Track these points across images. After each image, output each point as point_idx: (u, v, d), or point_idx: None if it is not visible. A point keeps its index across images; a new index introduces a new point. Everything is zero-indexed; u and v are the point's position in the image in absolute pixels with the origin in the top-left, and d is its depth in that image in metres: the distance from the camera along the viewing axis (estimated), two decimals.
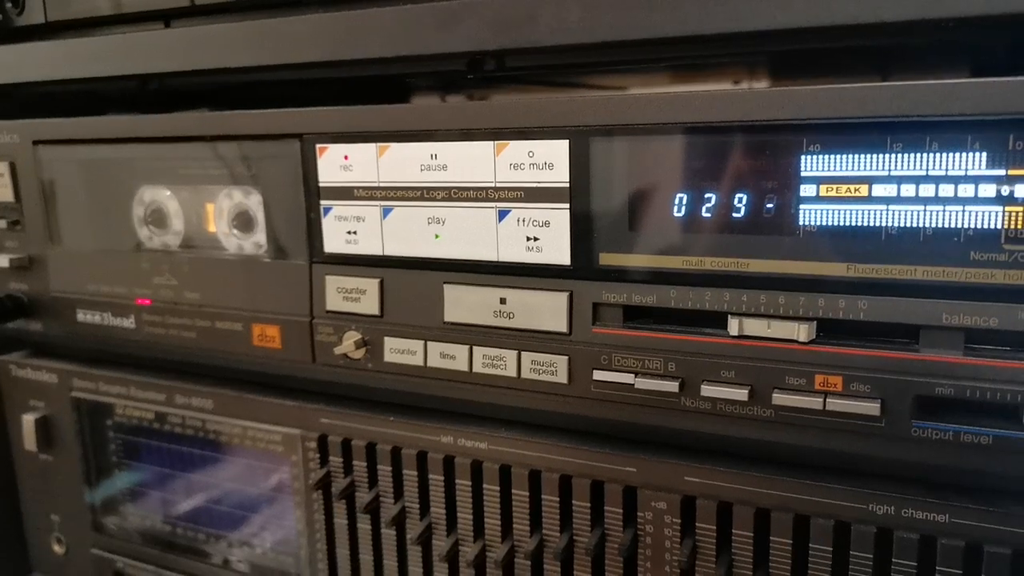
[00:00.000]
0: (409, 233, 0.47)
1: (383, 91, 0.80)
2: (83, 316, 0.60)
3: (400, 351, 0.48)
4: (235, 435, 0.57)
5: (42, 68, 0.57)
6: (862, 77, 0.75)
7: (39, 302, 0.62)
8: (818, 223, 0.38)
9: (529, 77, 0.73)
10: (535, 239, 0.44)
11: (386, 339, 0.49)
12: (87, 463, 0.64)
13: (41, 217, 0.60)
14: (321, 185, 0.49)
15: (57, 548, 0.68)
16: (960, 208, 0.36)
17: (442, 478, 0.50)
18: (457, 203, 0.45)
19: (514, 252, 0.44)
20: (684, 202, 0.41)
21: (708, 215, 0.40)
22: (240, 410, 0.56)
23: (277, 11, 0.49)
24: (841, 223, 0.38)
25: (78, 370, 0.63)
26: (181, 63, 0.51)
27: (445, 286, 0.47)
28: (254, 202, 0.53)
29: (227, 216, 0.54)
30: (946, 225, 0.36)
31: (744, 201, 0.39)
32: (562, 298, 0.44)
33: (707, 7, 0.37)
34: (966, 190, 0.35)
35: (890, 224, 0.37)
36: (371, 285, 0.49)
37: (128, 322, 0.58)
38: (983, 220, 0.35)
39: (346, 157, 0.48)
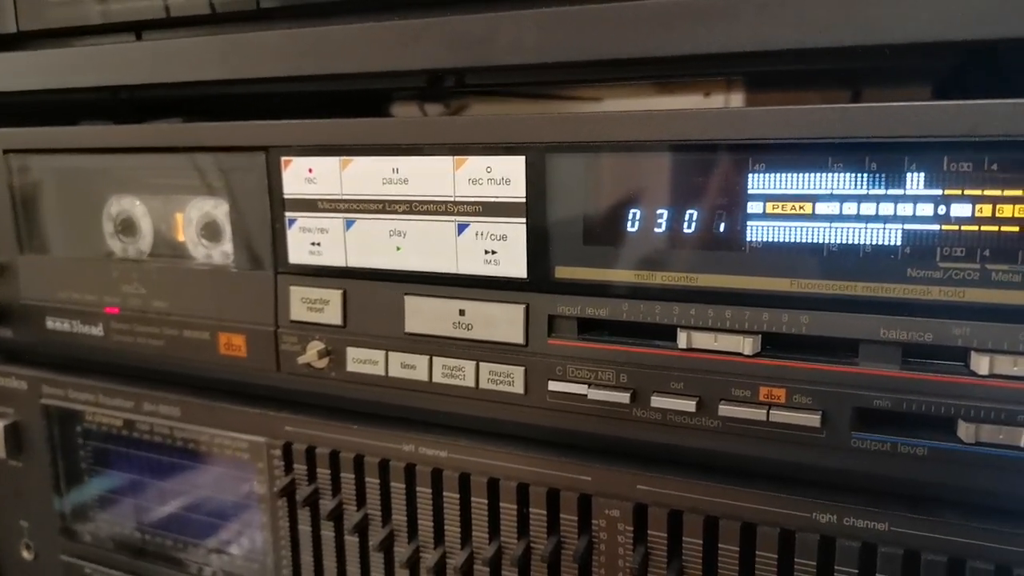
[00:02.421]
0: (371, 245, 0.48)
1: (364, 100, 0.81)
2: (52, 324, 0.61)
3: (362, 361, 0.49)
4: (202, 442, 0.58)
5: (13, 78, 0.58)
6: (834, 90, 0.77)
7: (9, 309, 0.62)
8: (764, 239, 0.39)
9: (500, 89, 0.74)
10: (493, 252, 0.45)
11: (349, 349, 0.50)
12: (56, 469, 0.65)
13: (11, 225, 0.60)
14: (286, 197, 0.50)
15: (26, 554, 0.68)
16: (899, 226, 0.37)
17: (403, 486, 0.50)
18: (418, 216, 0.46)
19: (473, 265, 0.45)
20: (636, 218, 0.42)
21: (659, 231, 0.41)
22: (207, 418, 0.57)
23: (248, 24, 0.50)
24: (785, 240, 0.39)
25: (48, 377, 0.63)
26: (150, 75, 0.52)
27: (406, 297, 0.48)
28: (221, 212, 0.53)
29: (195, 226, 0.55)
30: (885, 243, 0.37)
31: (694, 217, 0.41)
32: (519, 310, 0.45)
33: (657, 32, 0.38)
34: (904, 209, 0.37)
35: (831, 241, 0.38)
36: (334, 296, 0.50)
37: (97, 330, 0.59)
38: (920, 238, 0.37)
39: (310, 170, 0.49)
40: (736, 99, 0.84)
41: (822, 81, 0.73)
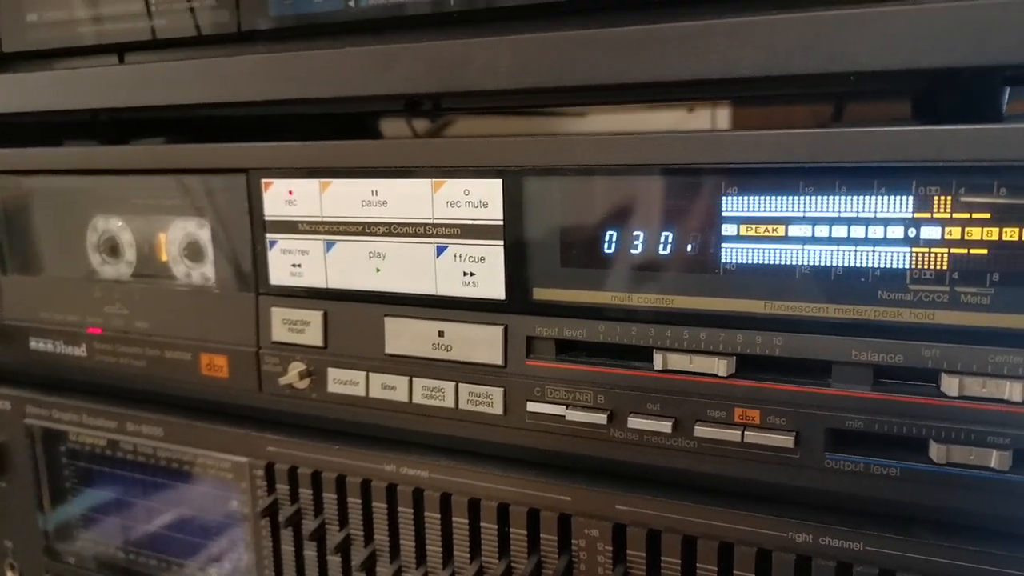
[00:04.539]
0: (351, 267, 0.48)
1: (354, 117, 0.82)
2: (36, 344, 0.61)
3: (343, 382, 0.49)
4: (186, 463, 0.58)
5: None
6: (818, 105, 0.78)
7: None
8: (738, 262, 0.40)
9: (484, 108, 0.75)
10: (471, 274, 0.45)
11: (329, 370, 0.50)
12: (40, 489, 0.65)
13: None
14: (267, 219, 0.50)
15: (10, 574, 0.68)
16: (870, 249, 0.37)
17: (385, 506, 0.50)
18: (397, 238, 0.46)
19: (451, 287, 0.46)
20: (613, 240, 0.42)
21: (635, 253, 0.42)
22: (190, 438, 0.57)
23: (230, 47, 0.51)
24: (759, 262, 0.39)
25: (31, 397, 0.63)
26: (132, 99, 0.52)
27: (386, 319, 0.48)
28: (204, 234, 0.54)
29: (178, 246, 0.55)
30: (856, 265, 0.38)
31: (669, 240, 0.41)
32: (497, 331, 0.45)
33: (628, 58, 0.38)
34: (875, 232, 0.37)
35: (804, 263, 0.38)
36: (315, 317, 0.50)
37: (80, 350, 0.59)
38: (890, 260, 0.37)
39: (290, 192, 0.49)
40: (721, 114, 0.85)
41: (806, 97, 0.74)
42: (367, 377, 0.49)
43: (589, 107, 0.86)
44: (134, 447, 0.60)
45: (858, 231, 0.37)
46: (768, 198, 0.39)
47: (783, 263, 0.39)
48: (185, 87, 0.50)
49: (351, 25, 0.46)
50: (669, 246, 0.41)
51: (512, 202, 0.43)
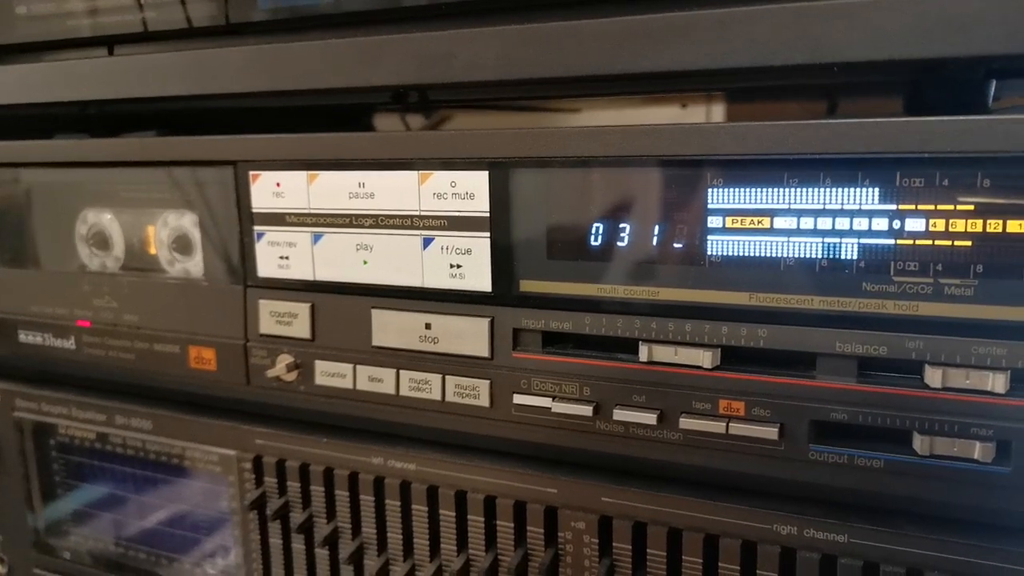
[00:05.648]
0: (339, 259, 0.48)
1: (347, 112, 0.81)
2: (25, 337, 0.61)
3: (330, 374, 0.49)
4: (175, 455, 0.58)
5: None
6: (812, 101, 0.78)
7: None
8: (723, 254, 0.40)
9: (477, 102, 0.74)
10: (458, 266, 0.45)
11: (317, 362, 0.50)
12: (29, 482, 0.65)
13: None
14: (254, 211, 0.50)
15: (0, 567, 0.68)
16: (854, 241, 0.37)
17: (372, 498, 0.50)
18: (384, 230, 0.46)
19: (438, 279, 0.46)
20: (599, 232, 0.42)
21: (621, 245, 0.42)
22: (178, 431, 0.57)
23: (220, 39, 0.50)
24: (744, 254, 0.39)
25: (20, 390, 0.63)
26: (120, 91, 0.52)
27: (373, 311, 0.48)
28: (192, 226, 0.53)
29: (167, 239, 0.55)
30: (840, 257, 0.38)
31: (655, 232, 0.41)
32: (484, 323, 0.45)
33: (613, 50, 0.38)
34: (859, 224, 0.37)
35: (789, 255, 0.38)
36: (302, 309, 0.50)
37: (69, 343, 0.59)
38: (874, 252, 0.37)
39: (278, 184, 0.49)
40: (715, 110, 0.85)
41: (800, 93, 0.74)
42: (354, 370, 0.49)
43: (583, 103, 0.86)
44: (123, 440, 0.60)
45: (843, 223, 0.37)
46: (753, 190, 0.39)
47: (768, 255, 0.39)
48: (174, 79, 0.50)
49: (339, 17, 0.46)
50: (655, 238, 0.41)
51: (498, 194, 0.43)
